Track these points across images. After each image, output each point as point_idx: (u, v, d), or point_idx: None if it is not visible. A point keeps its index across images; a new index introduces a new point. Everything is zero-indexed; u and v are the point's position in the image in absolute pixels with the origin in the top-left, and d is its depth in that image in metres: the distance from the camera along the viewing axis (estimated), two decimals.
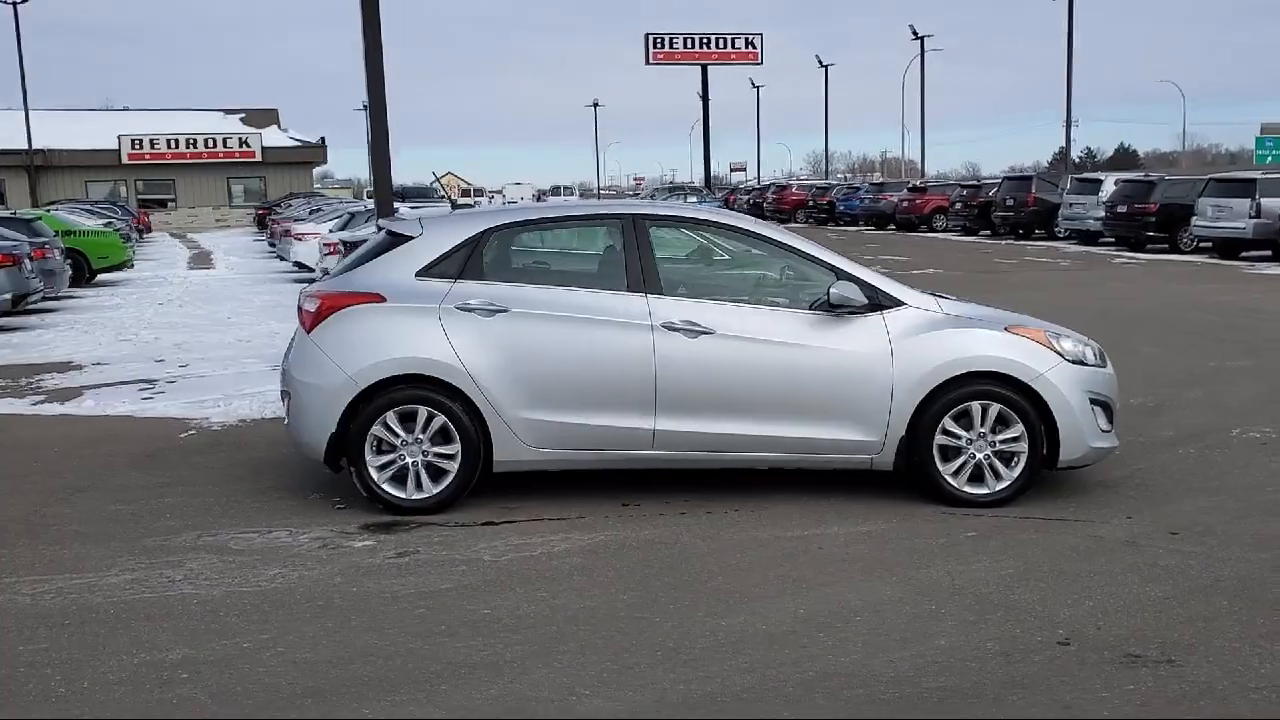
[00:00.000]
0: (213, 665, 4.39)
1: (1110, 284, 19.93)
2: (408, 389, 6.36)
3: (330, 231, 21.25)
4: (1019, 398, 6.33)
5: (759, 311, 6.46)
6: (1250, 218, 26.00)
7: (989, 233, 36.14)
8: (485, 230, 6.62)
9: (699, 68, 55.63)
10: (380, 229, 7.18)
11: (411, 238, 6.64)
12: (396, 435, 6.38)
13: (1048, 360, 6.38)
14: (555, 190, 74.76)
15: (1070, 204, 31.77)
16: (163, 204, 60.08)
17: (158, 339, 14.78)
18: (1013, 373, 6.33)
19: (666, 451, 6.44)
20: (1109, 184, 30.91)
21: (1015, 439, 6.36)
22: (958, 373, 6.31)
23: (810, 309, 6.44)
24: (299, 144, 58.85)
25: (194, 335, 14.99)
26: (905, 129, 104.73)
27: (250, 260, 32.03)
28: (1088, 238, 31.42)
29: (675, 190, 51.23)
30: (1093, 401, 6.47)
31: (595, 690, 4.10)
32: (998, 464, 6.38)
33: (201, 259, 33.81)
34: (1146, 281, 20.31)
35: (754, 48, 55.05)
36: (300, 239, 23.48)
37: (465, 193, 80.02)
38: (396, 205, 26.38)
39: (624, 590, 5.16)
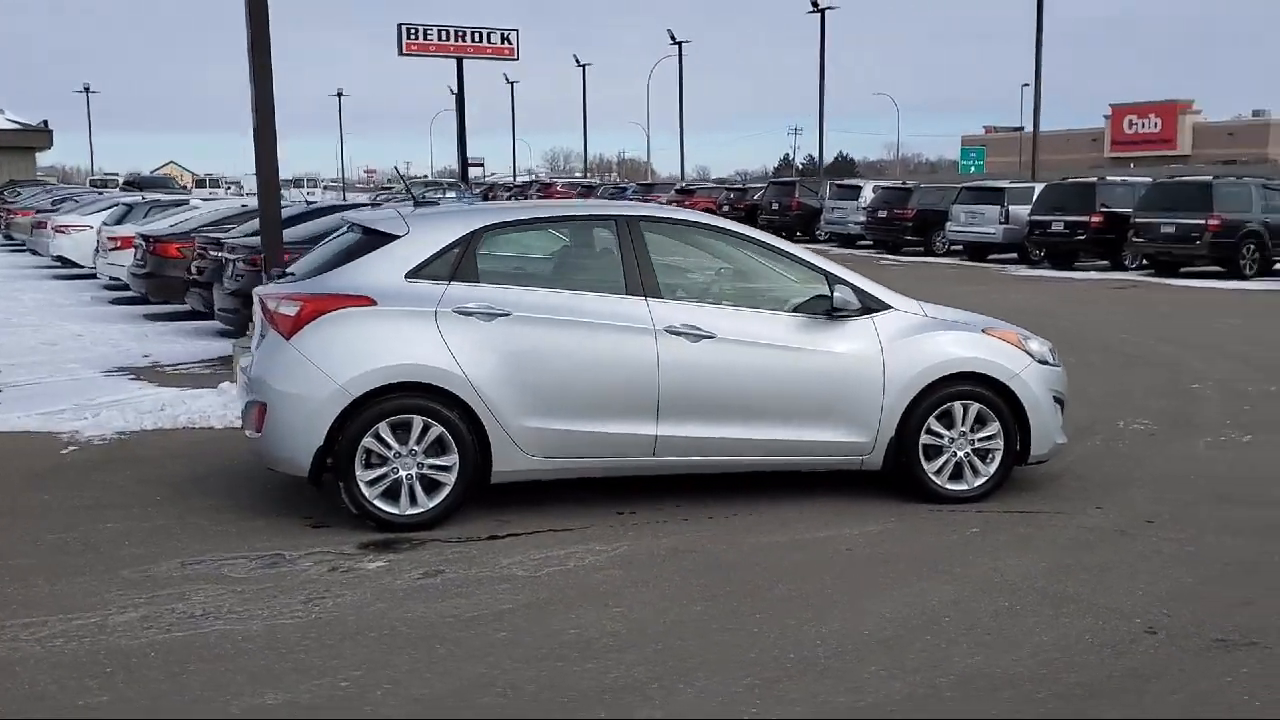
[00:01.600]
0: (330, 707, 4.01)
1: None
2: (402, 398, 5.99)
3: (105, 224, 19.63)
4: (996, 397, 6.62)
5: (756, 315, 6.47)
6: (1000, 223, 28.16)
7: None
8: (477, 229, 6.31)
9: (454, 60, 54.71)
10: (352, 225, 6.72)
11: (396, 236, 6.25)
12: (389, 447, 6.00)
13: (1021, 361, 6.70)
14: (298, 182, 71.66)
15: (832, 209, 33.37)
16: None
17: None
18: (992, 373, 6.62)
19: (668, 457, 6.36)
20: (868, 190, 32.70)
21: (992, 436, 6.65)
22: (944, 374, 6.54)
23: (801, 313, 6.50)
24: (19, 127, 53.72)
25: None
26: (648, 130, 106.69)
27: None
28: (847, 241, 33.14)
29: (432, 185, 50.21)
30: (1055, 399, 6.85)
31: (761, 707, 4.01)
32: (976, 461, 6.65)
33: None
34: (906, 282, 21.59)
35: (509, 43, 54.59)
36: (64, 232, 21.58)
37: (200, 183, 75.59)
38: (141, 196, 24.63)
39: (693, 602, 5.06)
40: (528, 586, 5.25)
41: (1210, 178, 24.56)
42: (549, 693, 4.13)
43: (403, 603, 5.04)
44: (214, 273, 13.16)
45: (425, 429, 6.01)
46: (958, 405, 6.59)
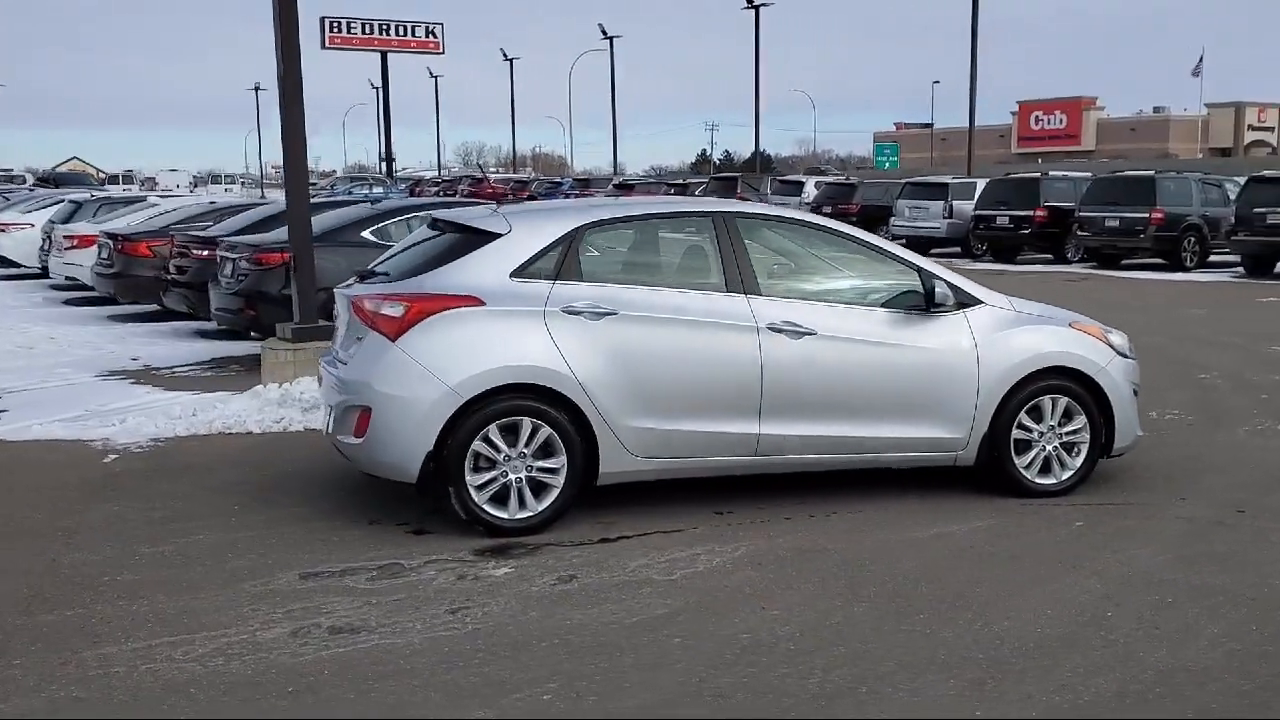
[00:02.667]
0: None
1: None
2: (512, 399, 5.85)
3: (55, 223, 18.95)
4: (1083, 391, 6.69)
5: (851, 311, 6.44)
6: (944, 218, 28.66)
7: None
8: (578, 227, 6.18)
9: (378, 54, 53.95)
10: (443, 224, 6.53)
11: (498, 235, 6.10)
12: (498, 450, 5.85)
13: (1105, 354, 6.78)
14: (215, 179, 69.92)
15: (775, 204, 33.56)
16: None
17: None
18: (1081, 367, 6.68)
19: (769, 456, 6.31)
20: (810, 186, 33.01)
21: (1078, 430, 6.71)
22: (1036, 368, 6.58)
23: (896, 308, 6.48)
24: None
25: None
26: (566, 125, 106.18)
27: None
28: None
29: (358, 179, 49.45)
30: (1134, 391, 6.95)
31: (985, 708, 3.98)
32: (1064, 455, 6.71)
33: None
34: None
35: (435, 37, 54.01)
36: (3, 230, 20.78)
37: (113, 179, 73.22)
38: (90, 194, 23.81)
39: (846, 602, 5.01)
40: (671, 590, 5.15)
41: (1152, 172, 25.24)
42: (761, 699, 4.05)
43: (554, 610, 4.91)
44: (199, 271, 12.78)
45: (534, 431, 5.88)
46: (1047, 399, 6.64)
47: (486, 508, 5.86)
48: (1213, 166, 45.04)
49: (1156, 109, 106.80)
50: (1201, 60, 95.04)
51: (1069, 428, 6.70)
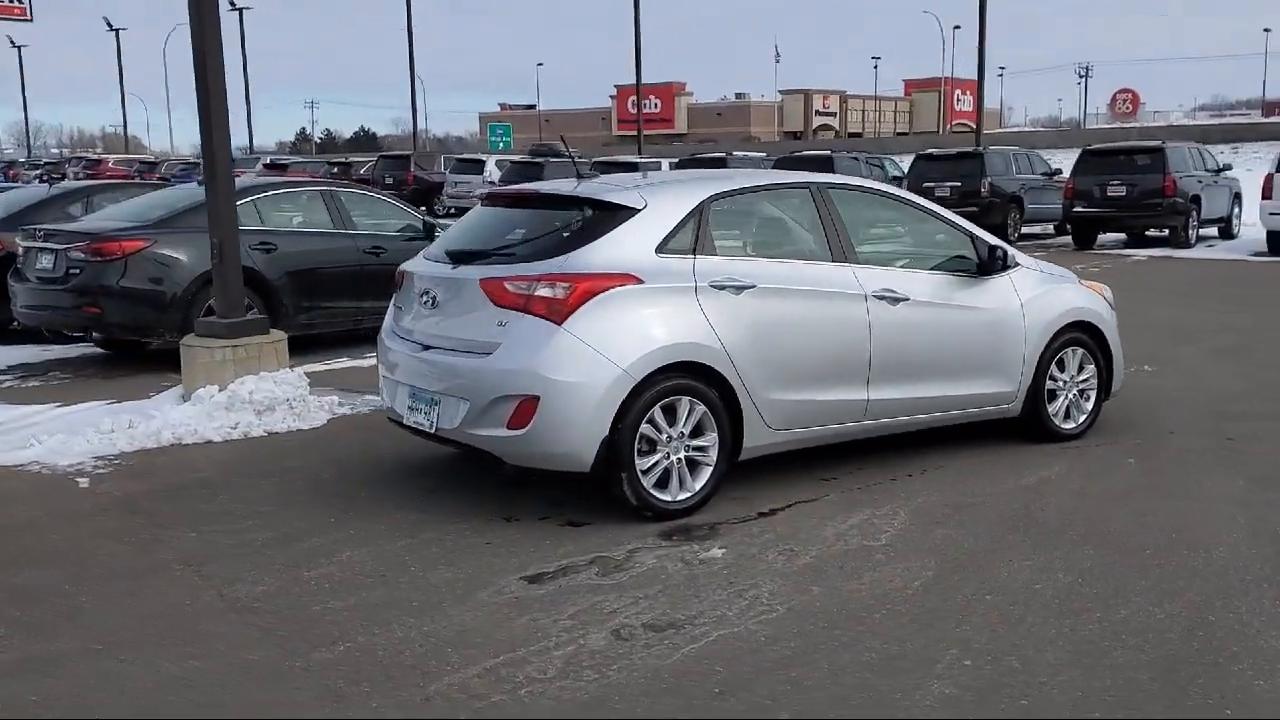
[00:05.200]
0: (1003, 693, 3.93)
1: None
2: (675, 378, 5.70)
3: None
4: (1093, 342, 7.42)
5: (931, 276, 6.75)
6: None
7: None
8: (705, 199, 6.07)
9: None
10: (568, 199, 6.15)
11: (636, 209, 5.87)
12: (660, 431, 5.69)
13: (1107, 308, 7.55)
14: None
15: (455, 183, 33.23)
16: None
17: None
18: (1094, 321, 7.39)
19: (874, 420, 6.52)
20: (491, 165, 32.92)
21: (1089, 378, 7.44)
22: (1066, 323, 7.22)
23: (958, 272, 6.86)
24: None
25: None
26: (143, 103, 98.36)
27: None
28: None
29: None
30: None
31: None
32: (1080, 401, 7.42)
33: None
34: None
35: (21, 2, 48.27)
36: None
37: None
38: None
39: (1053, 544, 5.32)
40: (898, 553, 5.23)
41: (829, 152, 27.26)
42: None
43: (832, 583, 4.88)
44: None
45: (690, 409, 5.76)
46: (1069, 351, 7.30)
47: (654, 492, 5.68)
48: (786, 148, 49.15)
49: (738, 95, 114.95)
50: (777, 49, 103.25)
51: (1083, 376, 7.39)
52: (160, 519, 5.88)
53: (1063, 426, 7.30)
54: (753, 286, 5.96)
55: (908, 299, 6.52)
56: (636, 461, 5.61)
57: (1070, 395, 7.34)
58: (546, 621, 4.50)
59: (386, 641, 4.33)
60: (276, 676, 4.05)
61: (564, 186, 6.32)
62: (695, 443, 5.81)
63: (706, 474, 5.85)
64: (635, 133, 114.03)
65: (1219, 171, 23.80)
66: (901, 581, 4.89)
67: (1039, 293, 7.15)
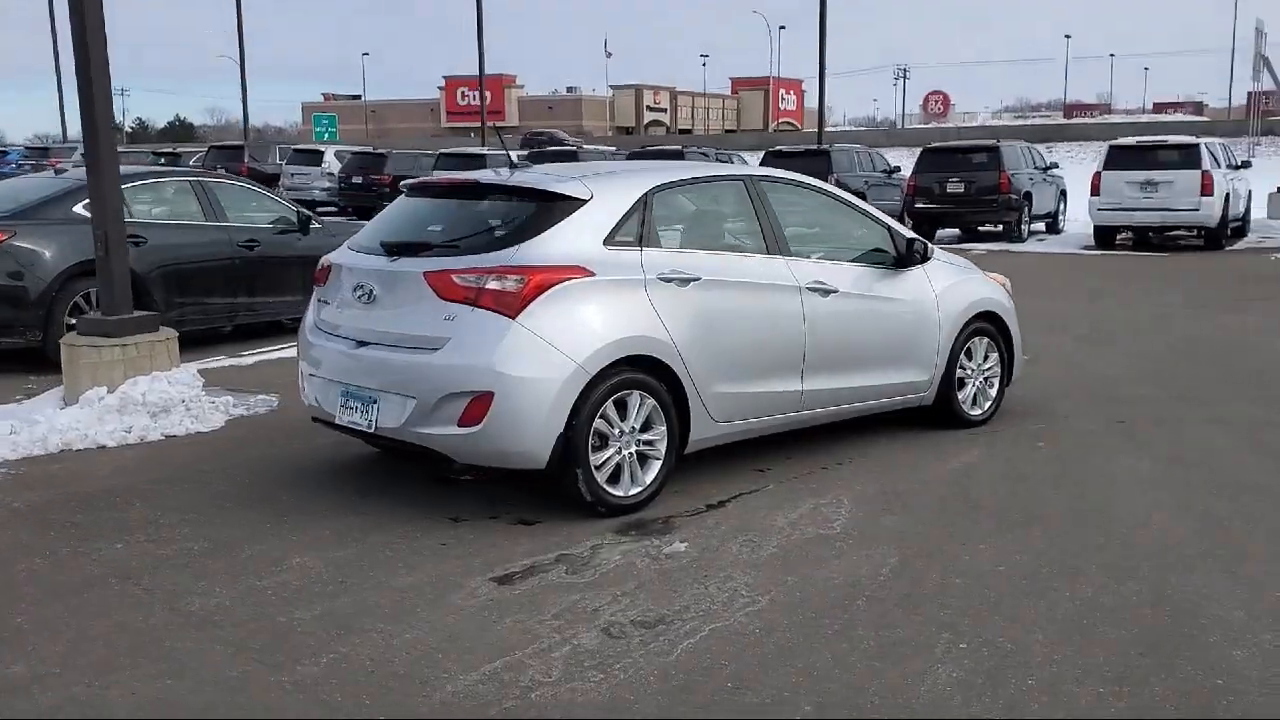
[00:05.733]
0: (1012, 663, 4.01)
1: None
2: (626, 373, 5.63)
3: None
4: (996, 331, 7.68)
5: (853, 268, 6.86)
6: None
7: None
8: (649, 191, 6.00)
9: None
10: (504, 190, 5.96)
11: (583, 200, 5.76)
12: (613, 426, 5.62)
13: (1008, 299, 7.82)
14: None
15: (292, 174, 32.17)
16: None
17: None
18: (998, 311, 7.65)
19: (809, 411, 6.59)
20: (330, 156, 32.03)
21: (993, 365, 7.70)
22: (974, 313, 7.45)
23: (879, 265, 6.99)
24: None
25: None
26: None
27: None
28: (311, 207, 32.21)
29: None
30: None
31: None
32: (986, 388, 7.67)
33: None
34: None
35: None
36: None
37: None
38: None
39: (976, 519, 5.50)
40: (854, 540, 5.29)
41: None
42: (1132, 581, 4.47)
43: (807, 571, 4.90)
44: None
45: (640, 403, 5.71)
46: (976, 340, 7.54)
47: (607, 487, 5.61)
48: (620, 143, 49.20)
49: (570, 89, 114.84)
50: (607, 44, 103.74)
51: (988, 364, 7.65)
52: (78, 531, 5.48)
53: (971, 413, 7.53)
54: (698, 279, 5.94)
55: (836, 291, 6.61)
56: (591, 457, 5.52)
57: (978, 383, 7.57)
58: (531, 623, 4.38)
59: (371, 651, 4.14)
60: (266, 692, 3.82)
61: (505, 176, 6.15)
62: (645, 437, 5.76)
63: (656, 468, 5.81)
64: (465, 125, 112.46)
65: (1047, 169, 25.04)
66: (870, 569, 4.95)
67: (950, 284, 7.35)
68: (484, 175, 6.27)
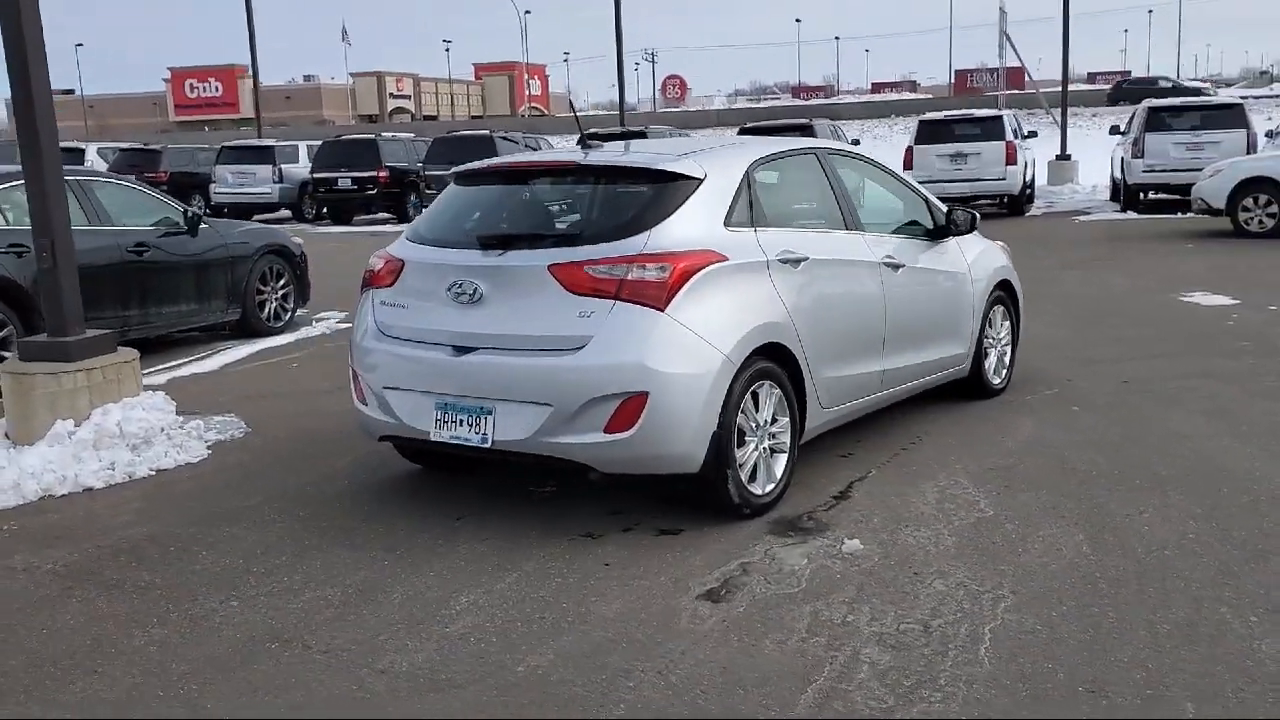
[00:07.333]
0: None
1: None
2: (760, 362, 5.23)
3: None
4: (1009, 299, 7.69)
5: (904, 241, 6.65)
6: (274, 182, 27.71)
7: None
8: (750, 166, 5.58)
9: None
10: (618, 170, 5.39)
11: (699, 179, 5.28)
12: (749, 420, 5.23)
13: (1012, 266, 7.83)
14: None
15: None
16: None
17: None
18: (1012, 280, 7.66)
19: (885, 391, 6.36)
20: (92, 153, 29.47)
21: (1007, 334, 7.71)
22: (996, 283, 7.41)
23: (925, 238, 6.81)
24: None
25: None
26: None
27: None
28: None
29: None
30: None
31: None
32: (1005, 357, 7.67)
33: None
34: None
35: None
36: None
37: None
38: None
39: (1172, 520, 5.45)
40: (1021, 524, 5.10)
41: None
42: None
43: (1019, 560, 4.66)
44: None
45: (769, 395, 5.33)
46: (996, 309, 7.51)
47: (749, 486, 5.21)
48: (364, 130, 47.77)
49: (307, 78, 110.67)
50: (345, 30, 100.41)
51: (1003, 333, 7.65)
52: (163, 592, 4.61)
53: (994, 383, 7.50)
54: (806, 259, 5.60)
55: (903, 265, 6.41)
56: (736, 454, 5.10)
57: (998, 351, 7.55)
58: (793, 643, 3.95)
59: (663, 694, 3.62)
60: None
61: (612, 157, 5.59)
62: (775, 429, 5.39)
63: (783, 462, 5.44)
64: (199, 118, 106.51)
65: (853, 145, 25.80)
66: (1072, 549, 4.76)
67: (977, 254, 7.28)
68: (580, 157, 5.67)
